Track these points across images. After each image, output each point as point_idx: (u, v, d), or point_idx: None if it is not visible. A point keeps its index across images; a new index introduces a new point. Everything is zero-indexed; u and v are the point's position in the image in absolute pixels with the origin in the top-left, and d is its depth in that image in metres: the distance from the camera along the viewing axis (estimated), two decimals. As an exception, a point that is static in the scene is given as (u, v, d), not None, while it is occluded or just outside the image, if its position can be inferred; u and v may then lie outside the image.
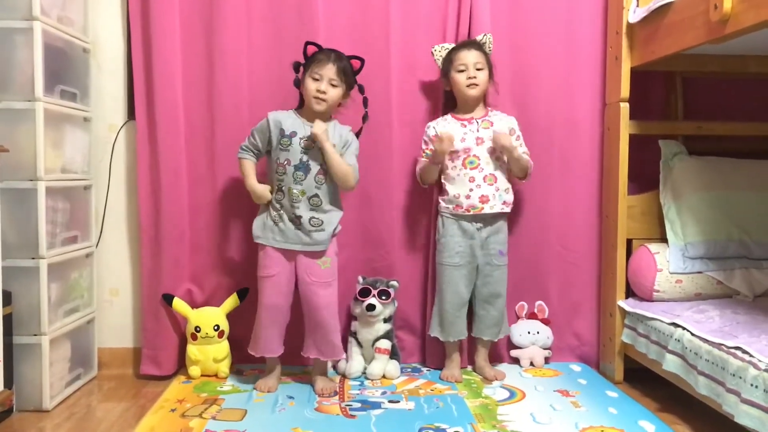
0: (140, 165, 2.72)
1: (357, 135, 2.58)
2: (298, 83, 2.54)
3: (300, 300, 2.53)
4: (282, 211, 2.47)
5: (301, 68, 2.51)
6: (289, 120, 2.49)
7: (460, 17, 2.75)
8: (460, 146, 2.63)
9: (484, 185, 2.60)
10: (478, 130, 2.64)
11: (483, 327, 2.71)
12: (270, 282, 2.49)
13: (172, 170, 2.70)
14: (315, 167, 2.45)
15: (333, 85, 2.45)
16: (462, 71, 2.62)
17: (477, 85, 2.62)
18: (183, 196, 2.73)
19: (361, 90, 2.57)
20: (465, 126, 2.66)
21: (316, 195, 2.46)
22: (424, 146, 2.70)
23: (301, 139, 2.45)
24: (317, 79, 2.44)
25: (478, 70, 2.61)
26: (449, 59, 2.65)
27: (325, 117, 2.50)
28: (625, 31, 2.62)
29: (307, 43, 2.50)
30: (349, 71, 2.49)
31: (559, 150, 2.84)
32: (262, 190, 2.49)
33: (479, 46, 2.64)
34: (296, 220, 2.45)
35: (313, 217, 2.46)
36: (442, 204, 2.68)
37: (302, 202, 2.45)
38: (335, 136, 2.49)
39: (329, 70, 2.43)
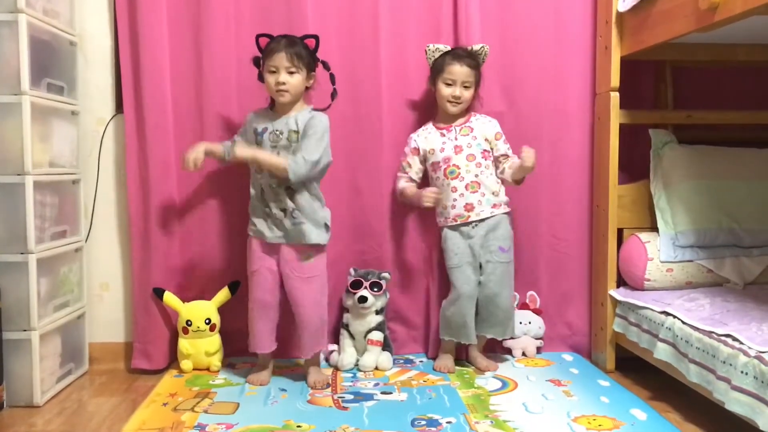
0: (129, 158, 2.70)
1: (326, 109, 2.53)
2: (263, 78, 2.50)
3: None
4: (268, 209, 2.45)
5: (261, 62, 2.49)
6: (260, 117, 2.49)
7: (457, 6, 2.74)
8: (440, 156, 2.63)
9: (467, 194, 2.60)
10: (456, 138, 2.63)
11: (487, 326, 2.68)
12: (254, 277, 2.49)
13: (161, 163, 2.68)
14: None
15: (291, 73, 2.41)
16: (449, 85, 2.60)
17: (459, 103, 2.61)
18: (172, 189, 2.72)
19: (326, 66, 2.53)
20: (444, 135, 2.65)
21: (289, 188, 2.42)
22: (402, 158, 2.70)
23: (270, 133, 2.44)
24: (274, 71, 2.41)
25: (465, 87, 2.59)
26: (440, 66, 2.61)
27: (298, 106, 2.48)
28: (614, 20, 2.62)
29: (258, 36, 2.47)
30: (305, 53, 2.43)
31: (549, 140, 2.83)
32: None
33: (472, 60, 2.61)
34: (282, 213, 2.43)
35: (295, 209, 2.43)
36: (438, 218, 2.69)
37: (282, 194, 2.42)
38: (301, 121, 2.44)
39: (282, 59, 2.38)
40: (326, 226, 2.49)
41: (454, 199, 2.61)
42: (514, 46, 2.80)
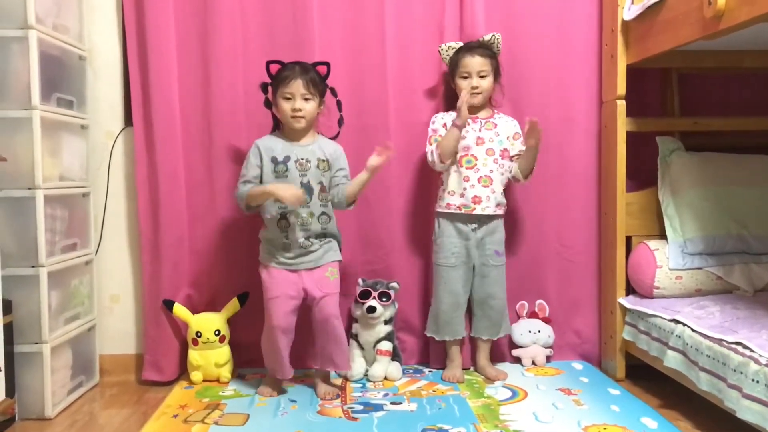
0: (138, 171, 2.72)
1: (335, 138, 2.58)
2: (269, 104, 2.52)
3: (310, 314, 2.51)
4: (288, 239, 2.44)
5: (270, 88, 2.49)
6: (278, 145, 2.46)
7: (462, 17, 2.75)
8: (460, 143, 2.63)
9: (478, 186, 2.60)
10: (480, 130, 2.64)
11: (481, 327, 2.72)
12: (277, 302, 2.45)
13: (170, 176, 2.70)
14: (317, 187, 2.45)
15: (306, 99, 2.41)
16: (465, 78, 2.61)
17: (479, 93, 2.61)
18: (181, 201, 2.74)
19: (334, 93, 2.55)
20: (468, 124, 2.64)
21: (324, 213, 2.47)
22: (432, 134, 2.66)
23: (296, 162, 2.43)
24: (289, 98, 2.41)
25: (481, 77, 2.60)
26: (455, 62, 2.63)
27: (309, 132, 2.49)
28: (620, 28, 2.63)
29: (269, 63, 2.47)
30: (318, 80, 2.45)
31: (556, 148, 2.83)
32: (288, 186, 2.36)
33: (485, 50, 2.62)
34: (305, 243, 2.44)
35: (320, 235, 2.47)
36: (438, 202, 2.68)
37: (312, 223, 2.44)
38: (327, 151, 2.48)
39: (298, 86, 2.40)
40: (340, 243, 2.58)
41: (464, 189, 2.61)
42: (520, 56, 2.80)
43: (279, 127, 2.54)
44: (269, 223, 2.46)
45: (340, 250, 2.58)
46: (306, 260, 2.46)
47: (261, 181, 2.45)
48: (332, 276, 2.50)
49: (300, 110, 2.41)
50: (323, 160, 2.47)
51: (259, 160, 2.44)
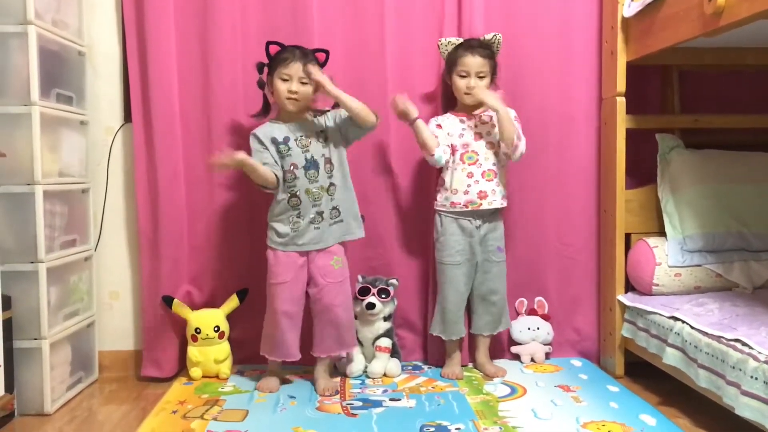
0: (137, 167, 2.72)
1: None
2: (263, 84, 2.52)
3: (309, 300, 2.53)
4: (300, 217, 2.45)
5: (266, 69, 2.50)
6: (274, 130, 2.47)
7: (461, 14, 2.74)
8: (458, 141, 2.62)
9: (482, 181, 2.60)
10: (476, 126, 2.64)
11: (482, 324, 2.71)
12: (283, 288, 2.47)
13: (169, 172, 2.69)
14: (321, 159, 2.47)
15: (303, 83, 2.43)
16: (463, 77, 2.60)
17: None
18: (181, 198, 2.73)
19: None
20: (463, 122, 2.65)
21: (332, 184, 2.48)
22: None
23: (296, 140, 2.45)
24: (286, 80, 2.43)
25: (479, 77, 2.59)
26: (453, 58, 2.62)
27: (302, 115, 2.50)
28: (620, 25, 2.62)
29: (269, 43, 2.49)
30: (317, 66, 2.47)
31: (555, 145, 2.84)
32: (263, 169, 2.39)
33: (485, 49, 2.60)
34: (317, 218, 2.45)
35: (334, 208, 2.48)
36: (439, 201, 2.67)
37: (324, 197, 2.46)
38: (319, 121, 2.50)
39: (297, 69, 2.41)
40: (362, 217, 2.58)
41: (468, 185, 2.60)
42: (519, 53, 2.80)
43: (268, 111, 2.55)
44: (280, 204, 2.46)
45: (363, 218, 2.59)
46: (315, 239, 2.47)
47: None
48: (337, 264, 2.51)
49: (296, 93, 2.42)
50: (321, 131, 2.48)
51: (260, 144, 2.45)
